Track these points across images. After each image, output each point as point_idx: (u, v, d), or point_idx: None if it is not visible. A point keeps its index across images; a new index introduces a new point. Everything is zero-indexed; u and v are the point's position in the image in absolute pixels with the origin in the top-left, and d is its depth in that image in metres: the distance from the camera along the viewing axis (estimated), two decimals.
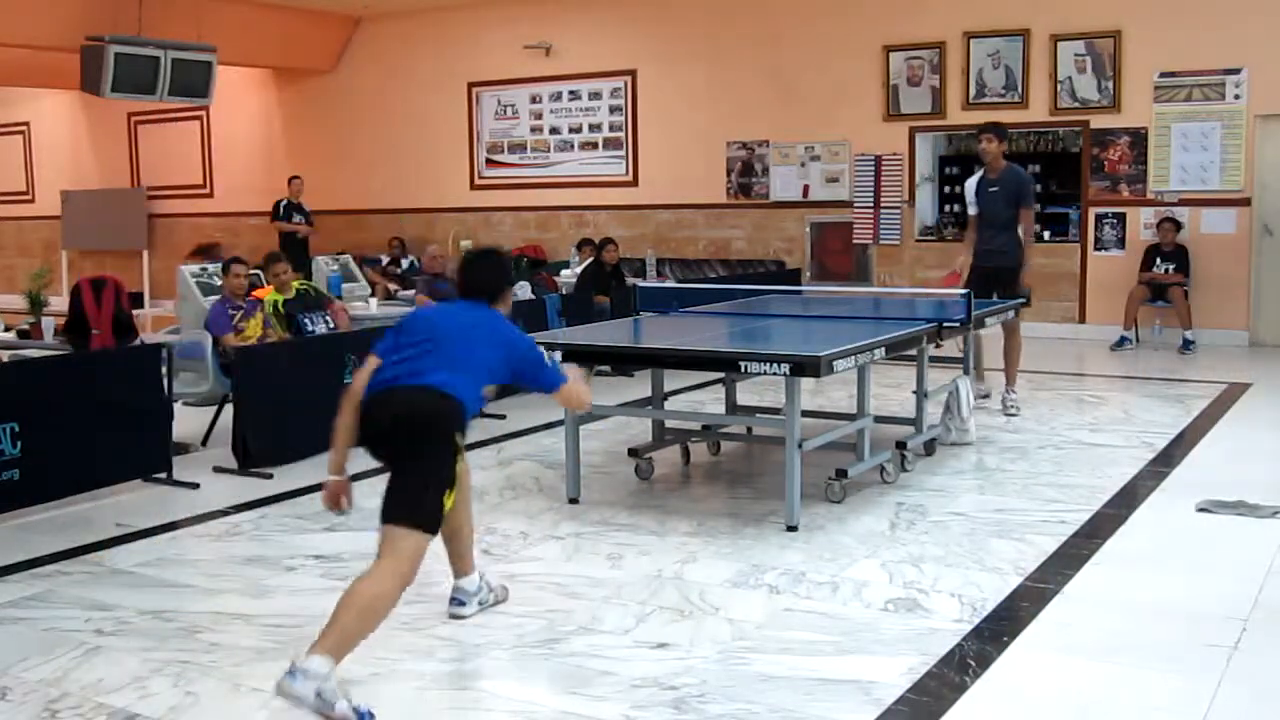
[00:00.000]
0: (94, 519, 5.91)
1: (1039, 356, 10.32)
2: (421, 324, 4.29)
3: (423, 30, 15.41)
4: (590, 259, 11.48)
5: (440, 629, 4.34)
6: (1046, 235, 12.29)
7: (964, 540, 5.30)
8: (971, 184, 8.40)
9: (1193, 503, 5.76)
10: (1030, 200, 8.25)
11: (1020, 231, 8.18)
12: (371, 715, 3.53)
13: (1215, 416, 7.92)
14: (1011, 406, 8.07)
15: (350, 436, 4.18)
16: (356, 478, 6.59)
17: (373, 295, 11.54)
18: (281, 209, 14.42)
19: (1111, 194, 11.78)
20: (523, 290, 11.06)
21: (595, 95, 14.47)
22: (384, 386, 4.14)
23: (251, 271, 8.45)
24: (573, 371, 4.56)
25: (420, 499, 3.88)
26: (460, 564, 4.51)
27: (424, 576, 4.89)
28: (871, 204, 12.90)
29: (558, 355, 5.92)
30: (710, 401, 8.50)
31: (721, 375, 7.36)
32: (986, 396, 8.26)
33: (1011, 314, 7.74)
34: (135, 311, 9.50)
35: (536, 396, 8.93)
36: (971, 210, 8.42)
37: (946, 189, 13.12)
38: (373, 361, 4.26)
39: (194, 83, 13.32)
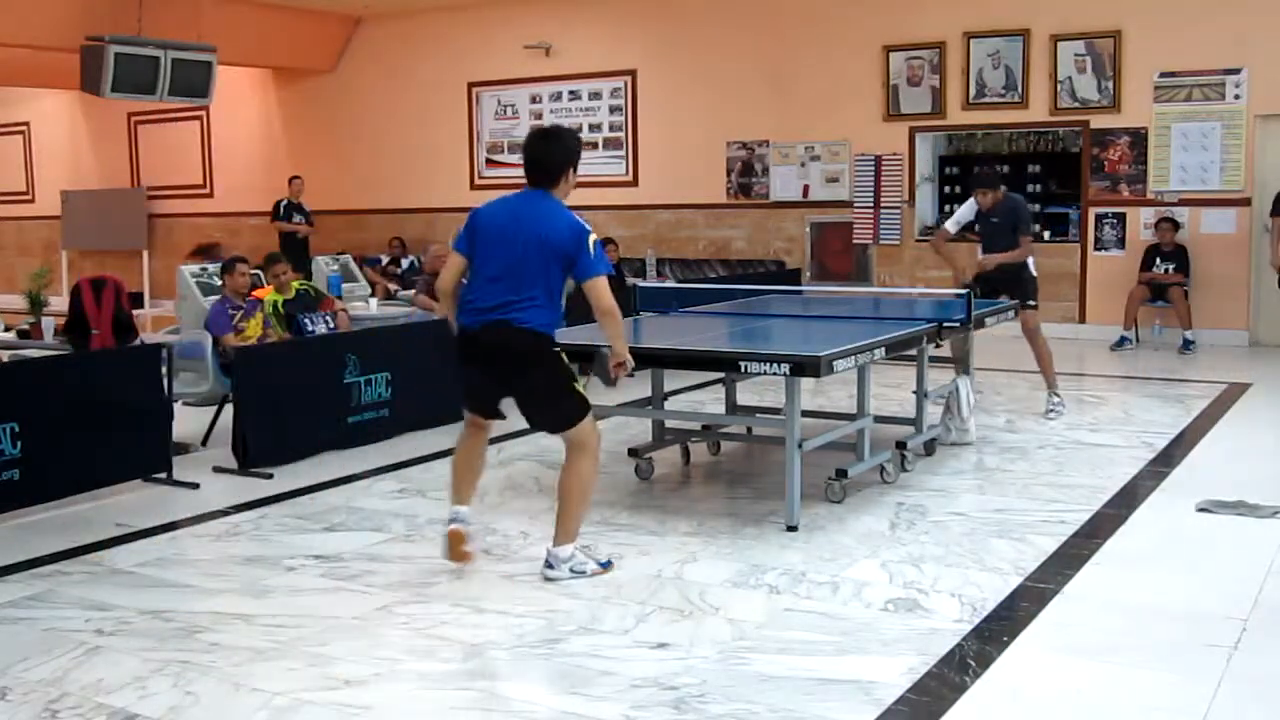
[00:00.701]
0: (94, 519, 5.91)
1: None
2: (496, 239, 4.77)
3: (423, 30, 15.41)
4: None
5: (440, 629, 4.34)
6: (1047, 235, 12.30)
7: (964, 540, 5.30)
8: (968, 211, 8.43)
9: (1193, 503, 5.77)
10: (1029, 227, 8.39)
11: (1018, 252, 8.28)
12: (610, 562, 4.92)
13: (1215, 416, 7.92)
14: (1053, 411, 8.07)
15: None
16: (352, 479, 6.61)
17: (373, 295, 11.54)
18: (281, 209, 14.42)
19: (1111, 194, 11.78)
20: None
21: (595, 95, 14.47)
22: (479, 324, 4.78)
23: (251, 272, 8.45)
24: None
25: (559, 406, 4.79)
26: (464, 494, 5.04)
27: (424, 578, 4.91)
28: (871, 204, 12.90)
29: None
30: (710, 401, 8.50)
31: (721, 375, 7.36)
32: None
33: (1011, 314, 7.73)
34: (135, 311, 9.50)
35: None
36: (952, 228, 8.57)
37: (946, 189, 13.13)
38: (456, 261, 4.89)
39: (194, 83, 13.32)
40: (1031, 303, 8.23)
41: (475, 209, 4.99)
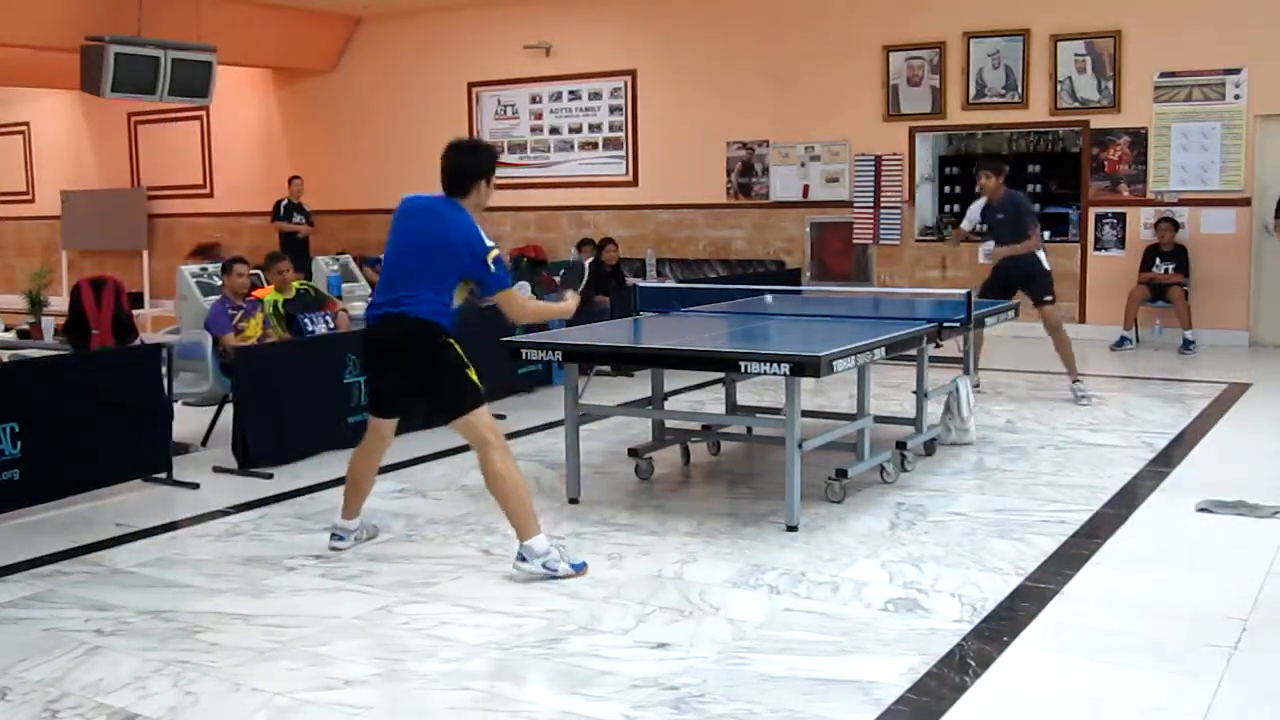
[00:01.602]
0: (94, 519, 5.91)
1: (1039, 356, 10.31)
2: (395, 238, 4.98)
3: (423, 30, 15.41)
4: (590, 259, 11.48)
5: (440, 629, 4.34)
6: (1047, 235, 12.27)
7: (964, 540, 5.30)
8: (976, 209, 8.79)
9: (1193, 503, 5.77)
10: (1034, 223, 8.64)
11: (1025, 244, 8.53)
12: (585, 565, 4.91)
13: (1215, 416, 7.92)
14: (1084, 397, 8.41)
15: None
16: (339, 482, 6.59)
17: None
18: (282, 209, 14.43)
19: (1111, 194, 11.78)
20: (523, 290, 11.04)
21: (595, 95, 14.47)
22: (376, 315, 4.98)
23: (251, 272, 8.45)
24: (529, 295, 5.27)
25: (454, 394, 4.87)
26: (349, 509, 5.33)
27: (425, 577, 4.91)
28: (871, 204, 12.90)
29: (558, 354, 5.97)
30: (710, 401, 8.50)
31: (721, 375, 7.36)
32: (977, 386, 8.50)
33: (1011, 314, 7.74)
34: (135, 311, 9.49)
35: (537, 397, 8.98)
36: (966, 225, 8.96)
37: (946, 189, 13.13)
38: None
39: (194, 83, 13.31)
40: (1048, 298, 8.40)
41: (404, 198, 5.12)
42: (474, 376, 4.91)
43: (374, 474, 5.39)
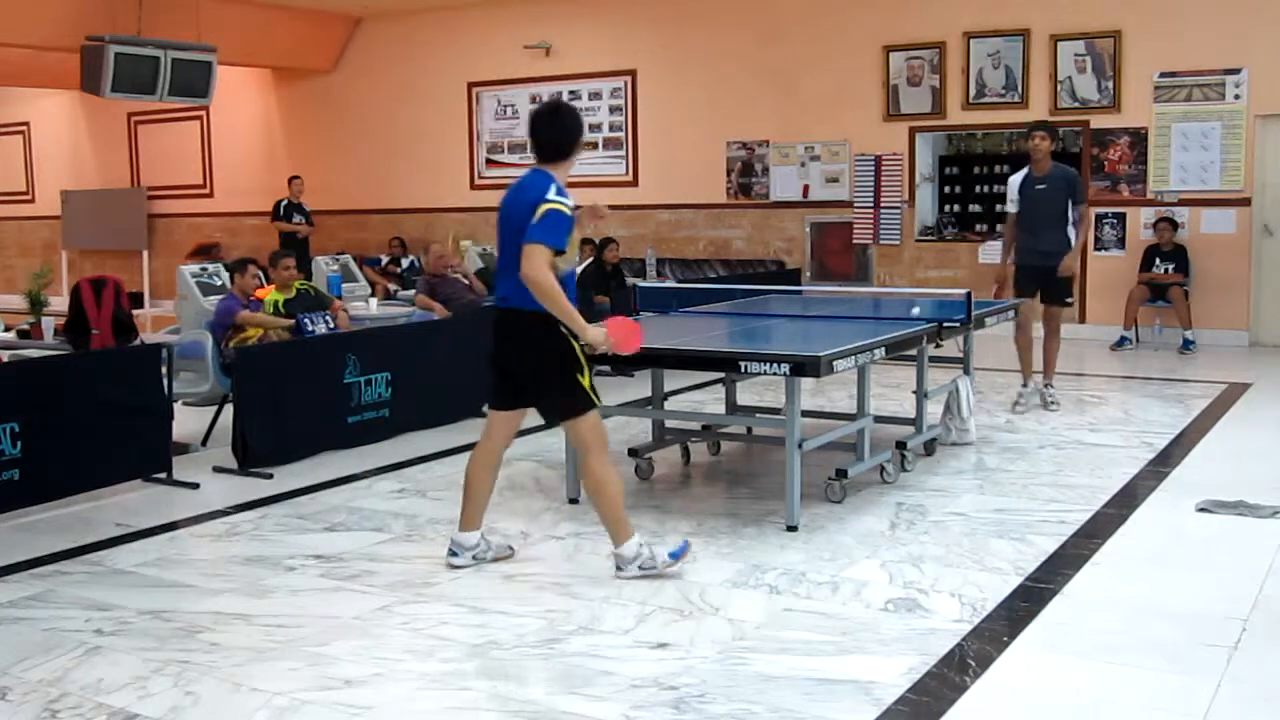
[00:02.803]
0: (94, 519, 5.91)
1: (1039, 357, 10.32)
2: (500, 223, 4.77)
3: (423, 30, 15.41)
4: (590, 259, 11.48)
5: (440, 629, 4.34)
6: None
7: (964, 540, 5.30)
8: (1016, 181, 8.21)
9: (1193, 503, 5.77)
10: (1084, 197, 8.21)
11: (1073, 230, 8.08)
12: (685, 546, 4.92)
13: (1215, 416, 7.92)
14: (1053, 402, 8.20)
15: None
16: (352, 479, 6.59)
17: (373, 295, 11.53)
18: (282, 209, 14.43)
19: (1111, 194, 11.78)
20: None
21: (595, 95, 14.47)
22: (495, 307, 4.88)
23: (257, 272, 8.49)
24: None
25: (563, 396, 4.77)
26: (468, 521, 5.04)
27: (425, 576, 4.91)
28: (871, 204, 12.90)
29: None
30: (710, 401, 8.50)
31: (721, 375, 7.36)
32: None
33: (1012, 314, 7.72)
34: (135, 311, 9.49)
35: None
36: (1012, 208, 8.24)
37: (946, 189, 13.13)
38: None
39: (194, 83, 13.32)
40: (1070, 299, 8.07)
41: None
42: (587, 385, 4.76)
43: (491, 475, 5.08)
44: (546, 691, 3.82)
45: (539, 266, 4.52)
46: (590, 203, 4.97)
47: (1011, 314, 7.71)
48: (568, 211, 4.60)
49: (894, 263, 12.88)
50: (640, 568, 4.80)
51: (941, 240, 12.78)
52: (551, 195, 4.59)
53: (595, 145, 14.47)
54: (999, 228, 12.69)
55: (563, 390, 4.76)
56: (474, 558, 5.03)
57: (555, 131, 4.79)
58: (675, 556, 4.86)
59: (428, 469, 6.88)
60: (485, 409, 5.16)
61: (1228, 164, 11.21)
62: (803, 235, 13.36)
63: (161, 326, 11.74)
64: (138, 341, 8.28)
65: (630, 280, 11.57)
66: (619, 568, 4.84)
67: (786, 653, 4.06)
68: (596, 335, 4.72)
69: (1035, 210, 8.01)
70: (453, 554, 5.04)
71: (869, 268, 13.00)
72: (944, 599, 4.55)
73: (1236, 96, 11.14)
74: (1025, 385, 8.30)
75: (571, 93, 14.60)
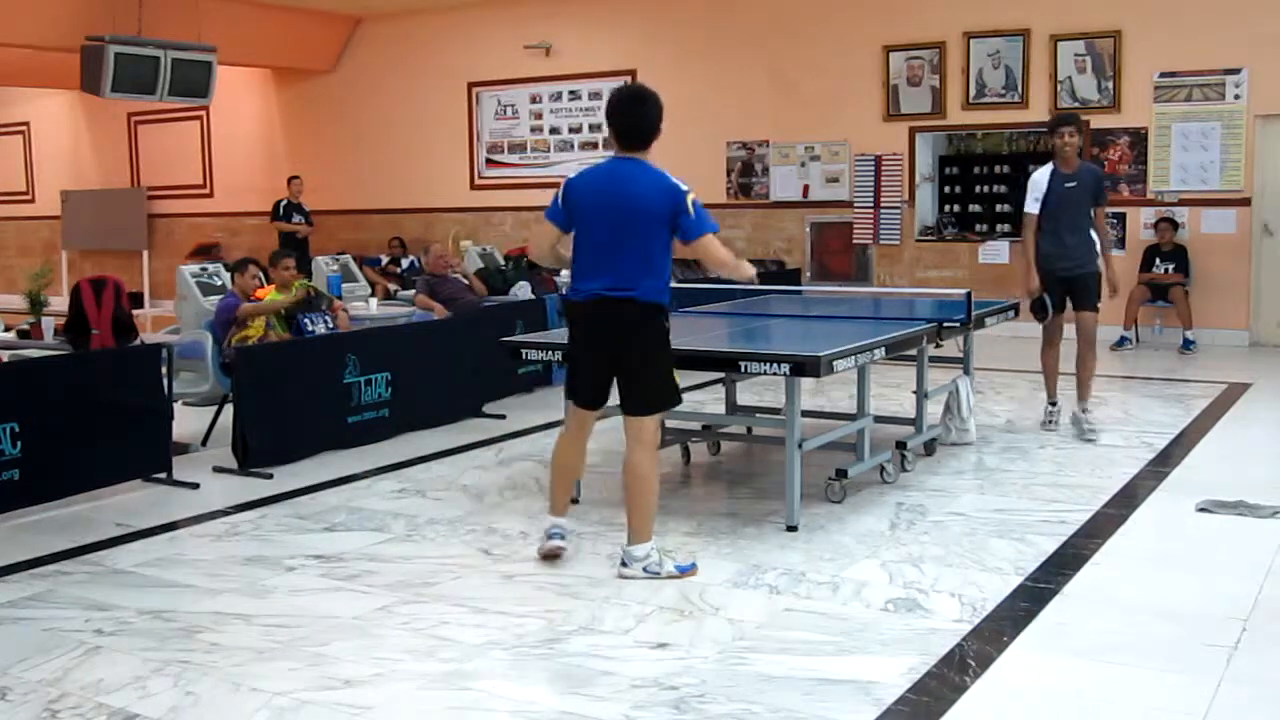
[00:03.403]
0: (94, 519, 5.91)
1: (1039, 357, 10.31)
2: (603, 211, 4.77)
3: (423, 30, 15.41)
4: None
5: (440, 629, 4.34)
6: None
7: (964, 540, 5.29)
8: (1043, 178, 7.30)
9: (1193, 503, 5.76)
10: (1106, 199, 7.59)
11: (1095, 233, 7.39)
12: (694, 566, 4.87)
13: (1215, 416, 7.92)
14: (1090, 430, 7.25)
15: None
16: (352, 479, 6.59)
17: (373, 295, 11.53)
18: (281, 209, 14.43)
19: (1112, 194, 11.75)
20: (523, 290, 11.06)
21: (595, 95, 14.46)
22: (592, 296, 4.80)
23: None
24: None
25: (650, 390, 4.83)
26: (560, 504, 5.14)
27: (425, 576, 4.91)
28: (871, 204, 12.90)
29: (558, 355, 5.96)
30: (710, 401, 8.49)
31: (721, 375, 7.35)
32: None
33: (1012, 314, 7.67)
34: (135, 311, 9.48)
35: (537, 397, 8.97)
36: (1033, 208, 7.31)
37: (946, 189, 13.13)
38: (551, 232, 4.92)
39: (194, 83, 13.32)
40: (1100, 302, 7.38)
41: (568, 179, 5.00)
42: (674, 375, 4.90)
43: (580, 464, 5.22)
44: (546, 691, 3.82)
45: (722, 252, 4.89)
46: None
47: (1012, 314, 7.66)
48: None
49: (894, 263, 12.88)
50: (645, 570, 4.81)
51: (941, 240, 12.78)
52: (684, 185, 4.78)
53: (595, 145, 14.49)
54: (999, 228, 12.74)
55: (663, 381, 4.87)
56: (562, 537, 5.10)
57: (653, 118, 4.88)
58: (682, 570, 4.85)
59: (428, 469, 6.88)
60: (570, 406, 5.12)
61: (1228, 164, 11.22)
62: (803, 235, 13.36)
63: (161, 326, 11.74)
64: (138, 341, 8.27)
65: None
66: (624, 564, 4.85)
67: (786, 653, 4.06)
68: (749, 269, 5.08)
69: (1061, 211, 7.25)
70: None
71: (869, 268, 13.00)
72: (944, 599, 4.55)
73: (1236, 96, 11.14)
74: (1053, 404, 7.60)
75: (571, 93, 14.61)
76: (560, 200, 4.89)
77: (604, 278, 4.77)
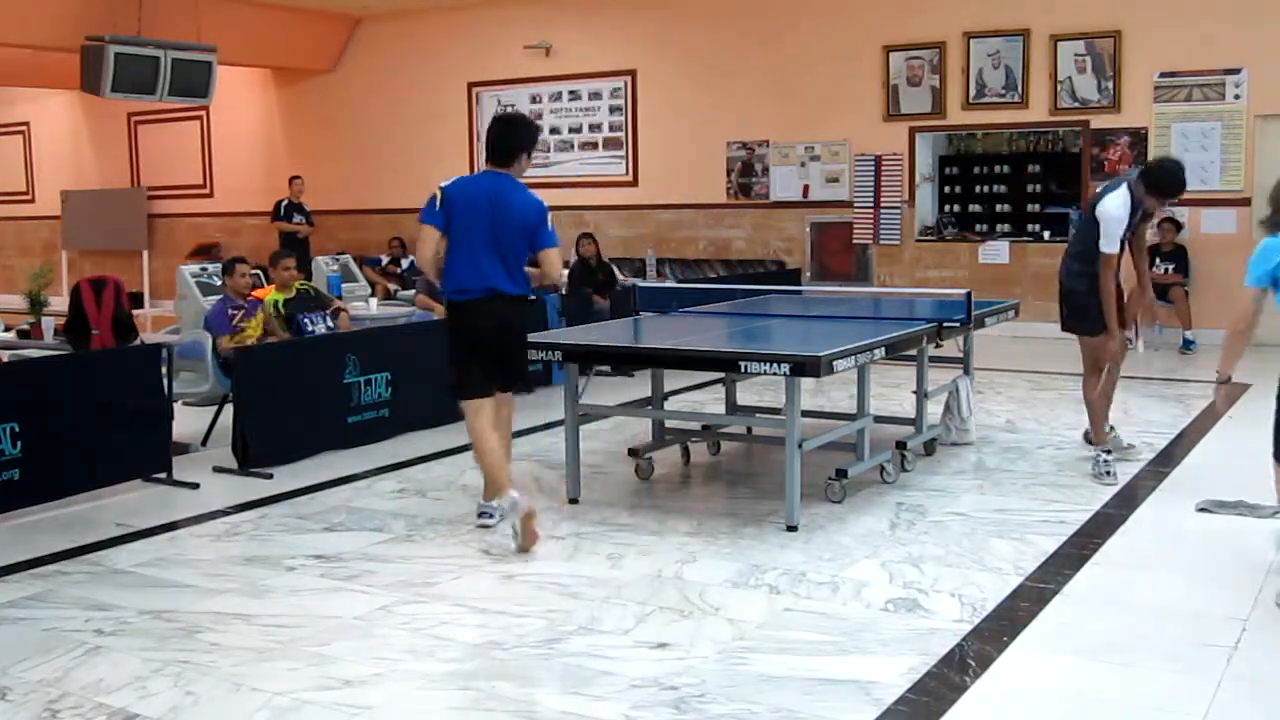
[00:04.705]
0: (94, 519, 5.91)
1: (1039, 356, 10.32)
2: (478, 214, 5.37)
3: (423, 30, 15.41)
4: (575, 258, 11.48)
5: (440, 629, 4.35)
6: (1047, 235, 12.31)
7: (964, 540, 5.30)
8: (1124, 212, 6.31)
9: (1193, 503, 5.77)
10: None
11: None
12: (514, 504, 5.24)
13: (1215, 416, 7.92)
14: (1107, 470, 6.32)
15: None
16: (352, 479, 6.59)
17: (373, 295, 11.54)
18: (282, 209, 14.43)
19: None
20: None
21: (595, 95, 14.47)
22: (480, 294, 5.40)
23: (252, 272, 8.47)
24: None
25: (525, 368, 5.76)
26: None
27: (425, 576, 4.92)
28: (871, 204, 12.90)
29: (558, 355, 5.98)
30: (710, 401, 8.50)
31: (721, 375, 7.36)
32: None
33: (1011, 314, 7.63)
34: (135, 311, 9.48)
35: (537, 397, 8.98)
36: (1115, 249, 6.43)
37: (946, 189, 13.13)
38: (434, 235, 5.51)
39: (194, 83, 13.32)
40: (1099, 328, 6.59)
41: (445, 186, 5.52)
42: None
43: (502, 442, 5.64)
44: (546, 691, 3.82)
45: (558, 264, 5.51)
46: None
47: (1012, 314, 7.63)
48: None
49: (894, 263, 12.88)
50: (492, 512, 5.51)
51: (941, 240, 12.78)
52: (544, 203, 5.48)
53: (595, 145, 14.49)
54: (999, 228, 12.74)
55: (527, 363, 5.77)
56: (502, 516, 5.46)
57: (518, 139, 5.52)
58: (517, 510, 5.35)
59: (428, 469, 6.88)
60: (466, 398, 5.52)
61: (1228, 164, 11.22)
62: (803, 235, 13.36)
63: (161, 326, 11.74)
64: (138, 341, 8.27)
65: (630, 280, 11.56)
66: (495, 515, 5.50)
67: (786, 653, 4.06)
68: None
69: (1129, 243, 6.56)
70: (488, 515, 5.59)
71: (869, 268, 13.00)
72: (944, 599, 4.55)
73: (1236, 96, 11.14)
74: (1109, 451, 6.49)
75: (571, 93, 14.61)
76: (438, 205, 5.43)
77: (487, 277, 5.37)
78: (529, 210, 5.38)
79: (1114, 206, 6.22)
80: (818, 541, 5.30)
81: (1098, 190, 6.50)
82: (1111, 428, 6.66)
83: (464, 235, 5.36)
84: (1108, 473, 6.26)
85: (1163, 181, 6.30)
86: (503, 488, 5.33)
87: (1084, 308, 6.54)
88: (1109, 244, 6.28)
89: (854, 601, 4.56)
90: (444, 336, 5.62)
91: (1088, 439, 6.75)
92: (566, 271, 11.65)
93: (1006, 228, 12.68)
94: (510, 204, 5.35)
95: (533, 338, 6.50)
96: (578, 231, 13.71)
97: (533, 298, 5.61)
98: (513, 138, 5.48)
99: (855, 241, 13.05)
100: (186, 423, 7.48)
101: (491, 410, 5.49)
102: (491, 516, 5.56)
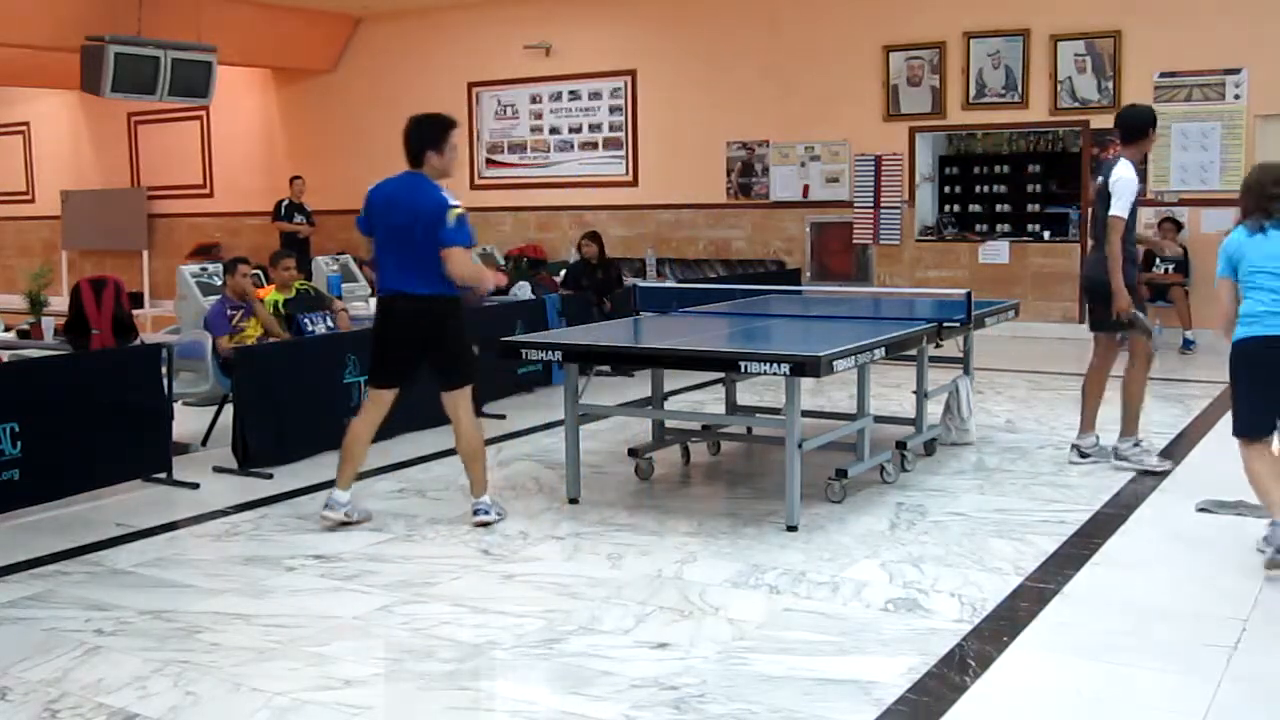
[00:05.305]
0: (94, 519, 5.91)
1: (1039, 357, 10.33)
2: (380, 216, 5.58)
3: (423, 30, 15.41)
4: (577, 259, 11.47)
5: (440, 629, 4.34)
6: (1046, 235, 12.32)
7: (964, 540, 5.29)
8: (1134, 174, 6.32)
9: (1193, 503, 5.76)
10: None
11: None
12: (502, 515, 5.71)
13: (1215, 416, 7.91)
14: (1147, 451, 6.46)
15: None
16: (359, 477, 6.59)
17: (373, 295, 11.51)
18: (283, 209, 14.44)
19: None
20: (522, 290, 11.05)
21: (595, 95, 14.47)
22: (393, 293, 5.54)
23: (253, 271, 8.46)
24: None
25: (464, 367, 5.61)
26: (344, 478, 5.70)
27: (425, 577, 4.91)
28: (871, 204, 12.90)
29: (558, 354, 5.97)
30: (710, 401, 8.49)
31: (721, 375, 7.36)
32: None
33: (1011, 314, 7.64)
34: (135, 311, 9.48)
35: (537, 397, 8.98)
36: (1125, 212, 6.23)
37: (946, 189, 13.13)
38: (364, 241, 5.86)
39: (194, 83, 13.32)
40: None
41: (370, 189, 5.72)
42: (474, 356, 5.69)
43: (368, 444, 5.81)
44: (546, 691, 3.82)
45: (465, 265, 5.45)
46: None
47: (1011, 314, 7.63)
48: (465, 211, 5.43)
49: (894, 263, 12.88)
50: (497, 514, 5.64)
51: (941, 240, 12.78)
52: (452, 200, 5.40)
53: (595, 145, 14.50)
54: (999, 228, 12.74)
55: (463, 362, 5.62)
56: (345, 514, 5.64)
57: (418, 139, 5.55)
58: (500, 514, 5.69)
59: (428, 469, 6.88)
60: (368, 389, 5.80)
61: (1228, 164, 11.21)
62: (803, 235, 13.36)
63: (161, 326, 11.73)
64: (138, 341, 8.27)
65: (630, 280, 11.56)
66: (476, 512, 5.62)
67: (786, 653, 4.06)
68: (489, 278, 5.84)
69: (1134, 217, 6.41)
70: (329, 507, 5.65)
71: (869, 268, 13.00)
72: (944, 599, 4.55)
73: (1236, 96, 11.14)
74: (1128, 441, 6.54)
75: (571, 93, 14.61)
76: (364, 210, 5.66)
77: (390, 278, 5.51)
78: (424, 210, 5.35)
79: (1125, 170, 6.28)
80: (818, 541, 5.30)
81: (1101, 173, 6.53)
82: (1096, 437, 6.67)
83: (376, 237, 5.59)
84: (1148, 454, 6.48)
85: (1133, 120, 6.47)
86: (341, 484, 5.67)
87: (1109, 299, 6.39)
88: (1121, 206, 6.22)
89: (854, 601, 4.56)
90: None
91: (1080, 450, 6.66)
92: (563, 271, 11.65)
93: (1006, 228, 12.68)
94: (404, 204, 5.42)
95: (533, 338, 6.51)
96: (578, 232, 13.76)
97: (453, 295, 5.48)
98: (417, 138, 5.52)
99: (855, 241, 13.05)
100: (186, 423, 7.48)
101: (382, 407, 5.66)
102: (487, 513, 5.65)
